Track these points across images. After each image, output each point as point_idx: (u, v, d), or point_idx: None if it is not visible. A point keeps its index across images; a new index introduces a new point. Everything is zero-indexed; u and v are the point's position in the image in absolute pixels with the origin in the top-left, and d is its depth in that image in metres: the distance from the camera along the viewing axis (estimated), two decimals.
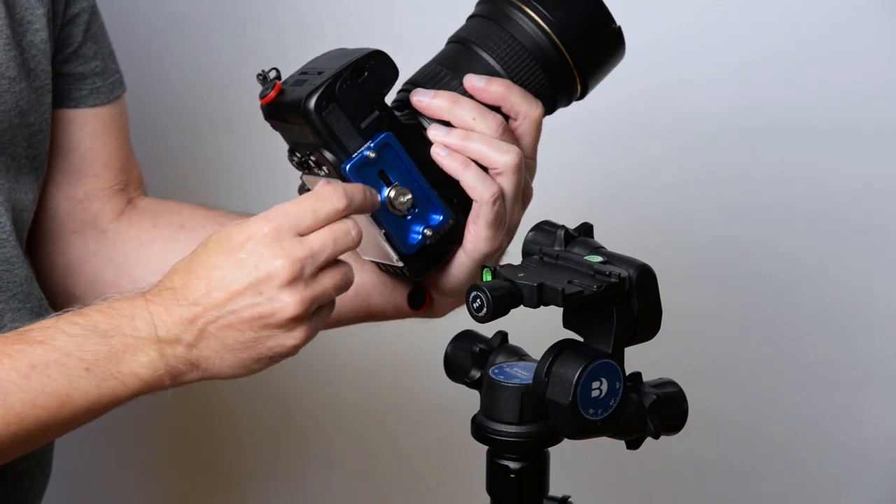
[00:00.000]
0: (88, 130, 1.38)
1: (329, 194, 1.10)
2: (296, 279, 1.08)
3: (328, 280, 1.10)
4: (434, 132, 1.16)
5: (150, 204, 1.42)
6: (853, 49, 1.95)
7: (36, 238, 1.37)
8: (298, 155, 1.16)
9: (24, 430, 1.08)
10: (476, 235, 1.17)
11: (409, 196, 1.14)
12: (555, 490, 1.10)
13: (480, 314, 1.01)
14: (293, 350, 1.10)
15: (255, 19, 1.99)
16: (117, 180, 1.40)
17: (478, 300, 1.01)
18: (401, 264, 1.17)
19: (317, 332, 1.11)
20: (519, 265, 1.06)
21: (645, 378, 1.07)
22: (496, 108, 1.17)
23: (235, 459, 2.15)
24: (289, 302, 1.08)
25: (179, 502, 2.18)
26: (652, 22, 1.91)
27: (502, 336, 1.13)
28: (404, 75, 1.18)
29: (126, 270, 1.38)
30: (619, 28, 1.19)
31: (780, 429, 2.07)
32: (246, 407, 2.11)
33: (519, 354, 1.11)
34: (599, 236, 1.08)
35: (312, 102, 1.11)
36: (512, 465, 1.07)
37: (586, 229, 1.08)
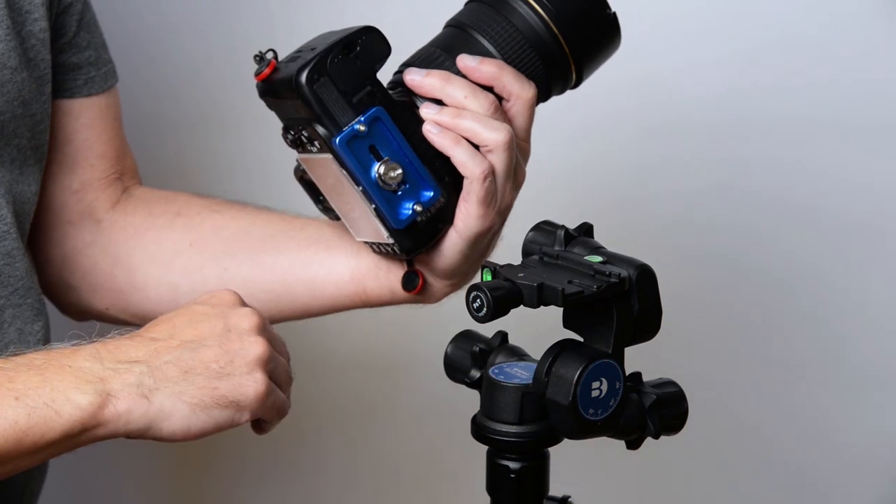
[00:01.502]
0: (84, 121, 1.37)
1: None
2: (261, 328, 1.10)
3: (280, 358, 1.12)
4: (426, 110, 1.17)
5: (145, 193, 1.42)
6: (854, 46, 1.95)
7: (31, 230, 1.37)
8: (292, 132, 1.17)
9: None
10: (467, 213, 1.17)
11: (400, 171, 1.15)
12: (555, 490, 1.10)
13: (480, 314, 1.01)
14: (253, 401, 1.08)
15: (251, 17, 1.99)
16: (113, 170, 1.40)
17: (478, 300, 1.01)
18: (391, 241, 1.18)
19: (272, 402, 1.10)
20: (519, 265, 1.06)
21: (645, 378, 1.07)
22: (489, 89, 1.17)
23: (234, 458, 2.15)
24: (256, 341, 1.08)
25: (176, 500, 2.18)
26: (651, 20, 1.91)
27: (502, 336, 1.13)
28: (397, 60, 1.19)
29: (121, 259, 1.38)
30: (615, 14, 1.20)
31: (780, 428, 2.07)
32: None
33: (519, 354, 1.11)
34: (602, 237, 1.08)
35: (304, 76, 1.12)
36: (512, 465, 1.07)
37: (586, 229, 1.08)
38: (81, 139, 1.37)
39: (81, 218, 1.38)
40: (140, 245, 1.37)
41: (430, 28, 1.24)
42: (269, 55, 1.16)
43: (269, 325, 1.13)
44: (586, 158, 1.99)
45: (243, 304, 1.13)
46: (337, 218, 1.23)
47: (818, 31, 1.96)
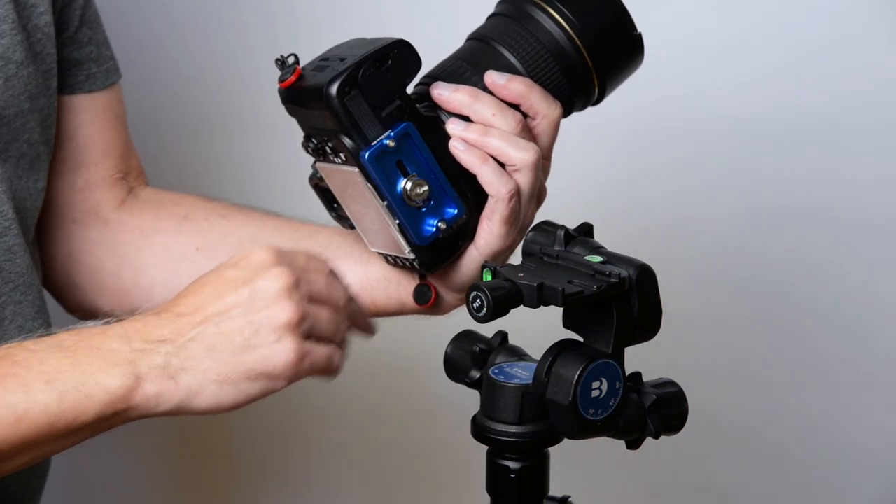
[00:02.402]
0: (86, 117, 1.37)
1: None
2: (291, 288, 1.07)
3: (322, 311, 1.09)
4: (453, 126, 1.15)
5: (152, 194, 1.41)
6: (859, 51, 1.95)
7: (35, 227, 1.36)
8: (314, 141, 1.16)
9: None
10: (489, 231, 1.17)
11: (426, 188, 1.14)
12: (555, 490, 1.10)
13: (480, 314, 1.01)
14: (284, 369, 1.07)
15: (256, 19, 1.99)
16: (117, 169, 1.39)
17: (478, 300, 1.01)
18: (412, 256, 1.17)
19: (307, 363, 1.08)
20: (519, 265, 1.06)
21: (645, 378, 1.07)
22: (515, 107, 1.17)
23: (236, 457, 2.15)
24: (283, 306, 1.06)
25: (180, 500, 2.18)
26: (660, 28, 1.91)
27: (502, 336, 1.13)
28: (421, 71, 1.18)
29: (128, 260, 1.37)
30: (640, 35, 1.19)
31: (780, 428, 2.07)
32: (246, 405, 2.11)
33: (519, 354, 1.11)
34: (602, 237, 1.08)
35: (335, 88, 1.11)
36: (512, 465, 1.07)
37: (586, 229, 1.08)
38: (84, 136, 1.37)
39: (87, 217, 1.38)
40: (147, 247, 1.37)
41: (449, 38, 1.23)
42: (291, 59, 1.14)
43: (308, 279, 1.09)
44: (586, 161, 1.99)
45: (277, 262, 1.09)
46: (351, 226, 1.23)
47: (828, 42, 1.96)
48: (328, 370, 1.10)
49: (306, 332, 1.08)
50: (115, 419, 1.04)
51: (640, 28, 1.20)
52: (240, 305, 1.07)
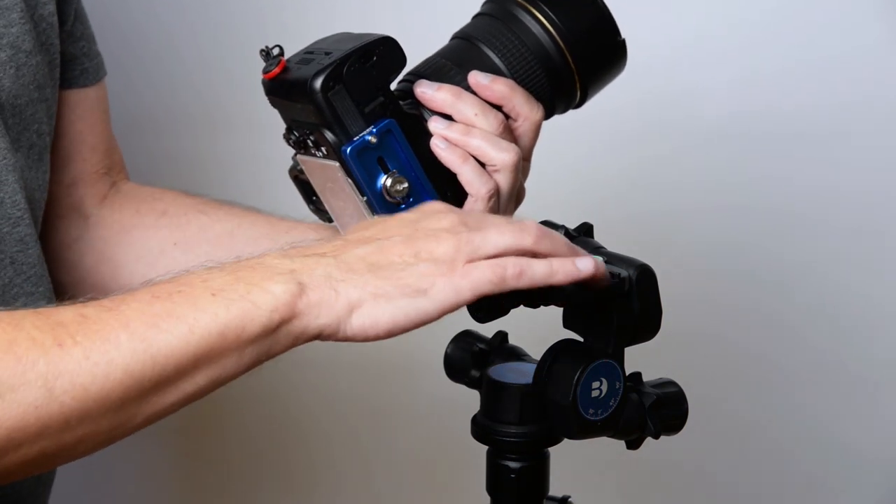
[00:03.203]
0: (79, 113, 1.37)
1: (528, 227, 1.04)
2: (455, 225, 1.04)
3: (489, 233, 1.03)
4: (435, 124, 1.16)
5: (133, 189, 1.42)
6: (854, 52, 1.95)
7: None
8: (296, 134, 1.17)
9: (154, 360, 0.99)
10: None
11: (406, 185, 1.14)
12: (555, 490, 1.10)
13: (480, 314, 1.01)
14: (441, 288, 1.01)
15: (242, 15, 1.99)
16: (102, 164, 1.39)
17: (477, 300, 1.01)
18: None
19: (467, 283, 1.01)
20: None
21: (645, 378, 1.07)
22: (498, 108, 1.17)
23: (237, 457, 2.15)
24: (444, 237, 1.02)
25: (182, 497, 2.18)
26: (654, 25, 1.91)
27: (502, 336, 1.13)
28: (405, 68, 1.19)
29: (106, 255, 1.37)
30: (624, 41, 1.19)
31: (780, 429, 2.07)
32: (245, 406, 2.11)
33: (519, 354, 1.11)
34: (601, 237, 1.08)
35: (319, 82, 1.11)
36: (512, 464, 1.07)
37: (586, 229, 1.08)
38: (76, 131, 1.37)
39: (70, 212, 1.38)
40: (126, 242, 1.37)
41: (434, 37, 1.24)
42: (276, 51, 1.15)
43: (478, 228, 1.04)
44: (586, 158, 1.99)
45: (448, 210, 1.06)
46: (329, 219, 1.23)
47: (822, 42, 1.96)
48: (499, 279, 1.02)
49: (469, 257, 1.02)
50: (280, 333, 1.01)
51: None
52: (402, 235, 1.04)
